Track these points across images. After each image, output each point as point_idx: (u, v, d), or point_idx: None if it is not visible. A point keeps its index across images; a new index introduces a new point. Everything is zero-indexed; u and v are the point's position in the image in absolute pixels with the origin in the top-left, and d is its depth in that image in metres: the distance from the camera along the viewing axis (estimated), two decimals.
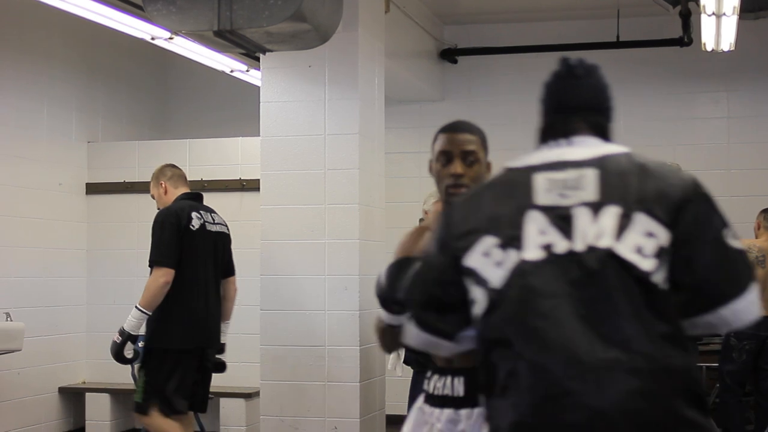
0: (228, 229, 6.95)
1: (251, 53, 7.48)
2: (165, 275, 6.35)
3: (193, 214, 6.59)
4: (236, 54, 7.83)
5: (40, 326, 8.43)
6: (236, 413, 8.59)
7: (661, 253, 2.47)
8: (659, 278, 2.46)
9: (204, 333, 6.64)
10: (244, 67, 8.51)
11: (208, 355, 6.71)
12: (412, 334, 2.74)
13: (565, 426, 2.39)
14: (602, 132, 2.77)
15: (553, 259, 2.49)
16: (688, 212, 2.53)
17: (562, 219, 2.53)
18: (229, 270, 6.94)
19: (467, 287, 2.60)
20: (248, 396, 8.54)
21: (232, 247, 7.08)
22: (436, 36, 9.84)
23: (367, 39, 7.24)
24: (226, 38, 5.99)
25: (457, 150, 3.44)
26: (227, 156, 9.00)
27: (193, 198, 6.81)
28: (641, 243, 2.47)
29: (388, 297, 3.26)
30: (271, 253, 7.26)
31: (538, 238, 2.52)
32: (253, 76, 8.57)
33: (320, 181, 7.14)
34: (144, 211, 9.05)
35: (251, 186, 8.49)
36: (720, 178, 9.18)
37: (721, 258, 2.53)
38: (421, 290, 2.72)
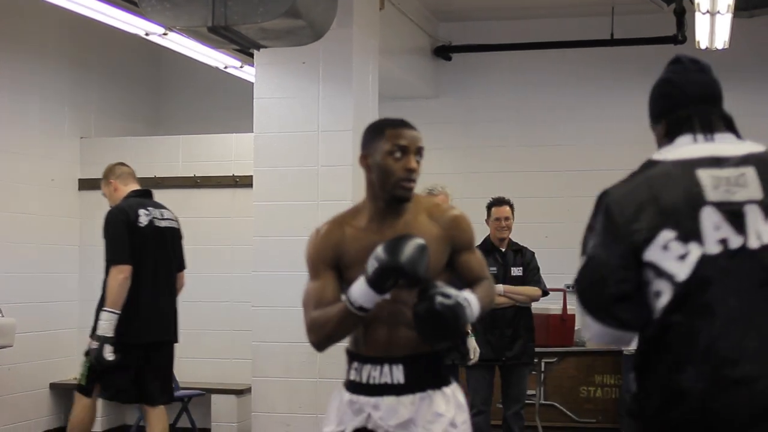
0: (178, 224, 6.95)
1: (245, 49, 7.47)
2: (122, 272, 6.38)
3: (141, 211, 6.59)
4: (230, 50, 7.81)
5: (32, 322, 8.41)
6: (227, 410, 8.57)
7: None
8: None
9: (157, 327, 6.64)
10: (237, 63, 8.49)
11: (162, 348, 6.71)
12: (598, 332, 2.74)
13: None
14: (733, 128, 2.88)
15: (731, 254, 2.59)
16: None
17: (734, 215, 2.62)
18: (180, 265, 6.95)
19: (646, 279, 2.64)
20: (240, 392, 8.52)
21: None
22: (431, 33, 9.83)
23: (362, 36, 7.23)
24: (221, 34, 5.97)
25: (414, 146, 3.50)
26: (220, 152, 8.98)
27: (142, 195, 6.80)
28: None
29: (390, 267, 3.23)
30: (264, 250, 7.25)
31: (715, 233, 2.61)
32: (247, 72, 8.55)
33: (313, 177, 7.13)
34: None
35: (244, 182, 8.48)
36: None
37: None
38: (601, 286, 2.70)
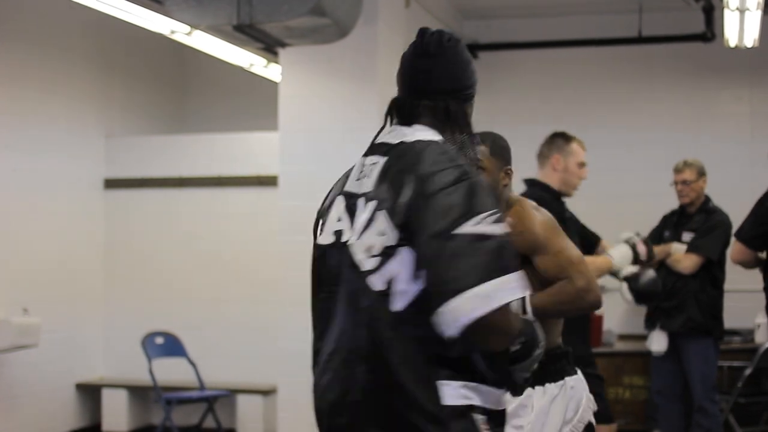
0: None
1: (270, 48, 7.44)
2: None
3: None
4: (255, 49, 7.78)
5: (58, 322, 8.40)
6: (253, 410, 8.55)
7: None
8: None
9: None
10: (263, 62, 8.46)
11: None
12: None
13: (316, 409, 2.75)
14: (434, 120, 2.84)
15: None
16: None
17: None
18: None
19: None
20: (266, 393, 8.49)
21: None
22: (457, 30, 9.77)
23: (387, 33, 7.18)
24: (246, 33, 5.96)
25: None
26: (245, 151, 8.95)
27: None
28: None
29: None
30: (289, 249, 7.21)
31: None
32: (272, 71, 8.52)
33: (339, 176, 7.08)
34: (162, 205, 9.04)
35: (268, 182, 8.44)
36: (742, 175, 9.08)
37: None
38: None
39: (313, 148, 7.19)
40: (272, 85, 8.23)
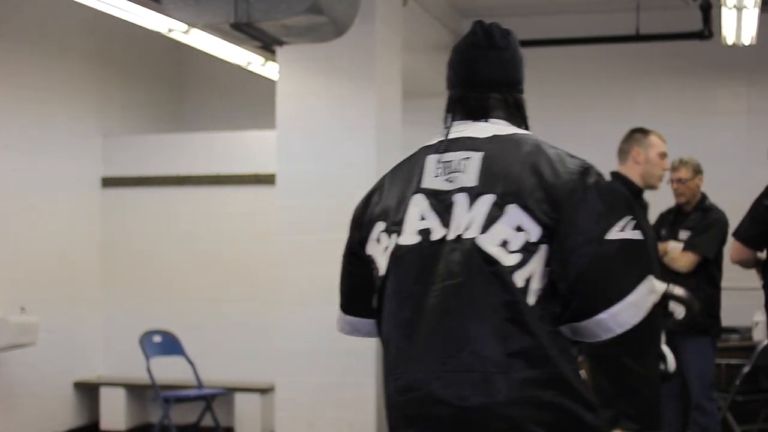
0: None
1: (268, 46, 7.44)
2: None
3: None
4: (253, 47, 7.78)
5: (55, 321, 8.40)
6: (251, 409, 8.55)
7: None
8: None
9: None
10: (260, 61, 8.46)
11: None
12: None
13: (421, 416, 2.51)
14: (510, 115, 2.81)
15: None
16: None
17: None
18: None
19: None
20: (264, 392, 8.50)
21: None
22: (454, 29, 9.77)
23: (384, 32, 7.18)
24: (243, 31, 5.95)
25: None
26: (242, 149, 8.95)
27: None
28: None
29: None
30: (287, 248, 7.21)
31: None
32: (270, 69, 8.52)
33: (336, 175, 7.09)
34: (160, 204, 9.04)
35: (266, 180, 8.44)
36: (739, 172, 9.08)
37: None
38: None
39: (310, 146, 7.19)
40: (270, 84, 8.23)
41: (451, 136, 2.66)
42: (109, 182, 9.16)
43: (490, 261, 2.47)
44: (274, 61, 7.84)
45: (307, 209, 7.16)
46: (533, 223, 2.48)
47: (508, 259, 2.46)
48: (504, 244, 2.47)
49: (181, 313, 8.84)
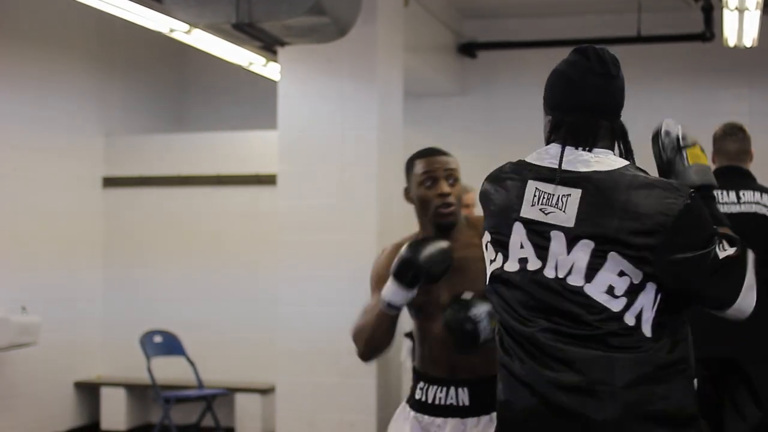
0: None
1: (269, 47, 7.44)
2: None
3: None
4: (254, 48, 7.78)
5: (56, 320, 8.40)
6: (252, 409, 8.55)
7: None
8: None
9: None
10: (262, 61, 8.46)
11: None
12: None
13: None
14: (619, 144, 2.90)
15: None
16: None
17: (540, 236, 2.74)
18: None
19: None
20: (264, 392, 8.50)
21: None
22: (455, 30, 9.77)
23: (386, 33, 7.19)
24: (245, 31, 5.96)
25: (441, 170, 3.55)
26: (244, 150, 8.95)
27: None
28: None
29: (407, 260, 3.34)
30: (288, 249, 7.21)
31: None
32: (271, 70, 8.52)
33: (338, 176, 7.09)
34: (161, 204, 9.04)
35: (267, 180, 8.44)
36: None
37: None
38: None
39: (312, 146, 7.19)
40: (271, 84, 8.23)
41: (555, 166, 2.68)
42: (110, 182, 9.16)
43: (598, 310, 2.56)
44: (275, 61, 7.84)
45: (308, 209, 7.16)
46: (634, 269, 2.54)
47: (616, 305, 2.55)
48: (610, 290, 2.55)
49: (181, 313, 8.84)
